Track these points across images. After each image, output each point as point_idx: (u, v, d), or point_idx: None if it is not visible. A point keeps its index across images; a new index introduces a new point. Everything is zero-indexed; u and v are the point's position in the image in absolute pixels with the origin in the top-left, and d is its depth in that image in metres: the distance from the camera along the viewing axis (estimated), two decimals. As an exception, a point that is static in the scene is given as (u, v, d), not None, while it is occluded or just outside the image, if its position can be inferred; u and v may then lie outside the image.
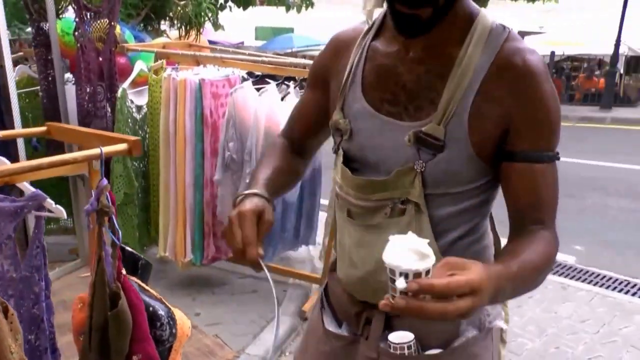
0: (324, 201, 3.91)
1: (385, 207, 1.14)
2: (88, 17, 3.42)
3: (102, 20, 3.42)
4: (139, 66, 3.72)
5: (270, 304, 3.67)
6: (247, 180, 3.32)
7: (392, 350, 1.17)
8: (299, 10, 20.32)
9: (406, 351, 1.14)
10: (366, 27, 1.22)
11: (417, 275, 0.83)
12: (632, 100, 14.92)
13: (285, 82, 3.46)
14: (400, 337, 1.15)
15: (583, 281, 4.33)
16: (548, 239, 1.06)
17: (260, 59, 3.57)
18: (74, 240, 4.10)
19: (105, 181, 1.56)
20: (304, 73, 3.49)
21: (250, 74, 3.55)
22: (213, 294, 3.80)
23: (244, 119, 3.27)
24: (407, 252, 0.85)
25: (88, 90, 3.48)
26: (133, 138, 1.75)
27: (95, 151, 1.63)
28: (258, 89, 3.32)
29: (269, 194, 1.14)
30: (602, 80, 13.71)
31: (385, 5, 1.09)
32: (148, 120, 3.62)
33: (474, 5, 1.12)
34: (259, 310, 3.59)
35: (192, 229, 3.46)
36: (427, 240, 0.86)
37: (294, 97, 3.37)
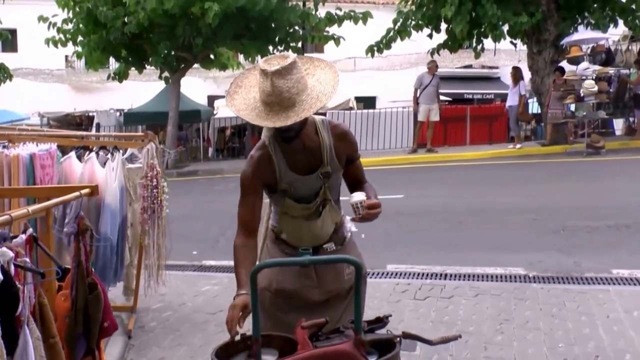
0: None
1: (318, 208, 2.49)
2: None
3: None
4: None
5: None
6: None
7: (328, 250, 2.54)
8: (-3, 84, 19.44)
9: (334, 248, 2.54)
10: (268, 141, 2.43)
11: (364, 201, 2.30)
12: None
13: (99, 152, 4.40)
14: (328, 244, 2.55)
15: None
16: (369, 183, 2.61)
17: (72, 134, 4.46)
18: None
19: (82, 212, 2.52)
20: (109, 143, 4.52)
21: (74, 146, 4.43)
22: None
23: (72, 182, 4.14)
24: (358, 196, 2.33)
25: None
26: (93, 185, 2.69)
27: (71, 195, 2.55)
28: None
29: (248, 288, 2.14)
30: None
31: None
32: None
33: (310, 117, 2.44)
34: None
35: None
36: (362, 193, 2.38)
37: (110, 162, 4.34)
